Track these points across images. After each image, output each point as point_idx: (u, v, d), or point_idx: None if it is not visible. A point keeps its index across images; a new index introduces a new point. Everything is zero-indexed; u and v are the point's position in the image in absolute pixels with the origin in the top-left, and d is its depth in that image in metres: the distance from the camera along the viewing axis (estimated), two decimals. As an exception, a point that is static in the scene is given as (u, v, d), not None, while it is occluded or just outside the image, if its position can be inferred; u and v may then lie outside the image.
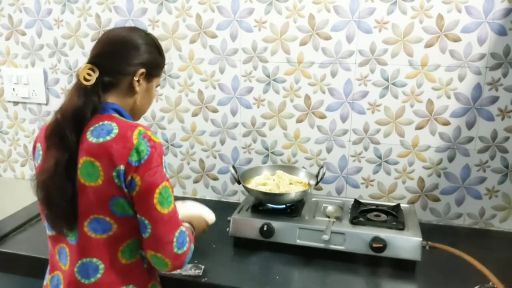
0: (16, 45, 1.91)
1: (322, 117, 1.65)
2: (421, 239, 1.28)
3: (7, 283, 1.47)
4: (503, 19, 1.43)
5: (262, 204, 1.47)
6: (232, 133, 1.76)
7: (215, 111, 1.75)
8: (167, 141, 1.84)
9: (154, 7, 1.71)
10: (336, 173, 1.69)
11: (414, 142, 1.59)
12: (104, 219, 0.98)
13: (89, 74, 0.99)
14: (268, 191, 1.44)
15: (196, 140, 1.80)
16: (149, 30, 1.65)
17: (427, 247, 1.27)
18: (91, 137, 0.97)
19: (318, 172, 1.48)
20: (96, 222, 0.98)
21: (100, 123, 0.98)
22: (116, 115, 1.02)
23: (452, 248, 1.24)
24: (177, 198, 1.08)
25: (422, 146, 1.59)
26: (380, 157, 1.63)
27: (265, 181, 1.52)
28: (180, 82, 1.76)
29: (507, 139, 1.52)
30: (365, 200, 1.59)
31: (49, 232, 1.07)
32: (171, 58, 1.73)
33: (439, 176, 1.60)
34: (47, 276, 1.09)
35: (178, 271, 1.26)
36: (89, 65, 1.00)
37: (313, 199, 1.57)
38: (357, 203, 1.53)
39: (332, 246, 1.33)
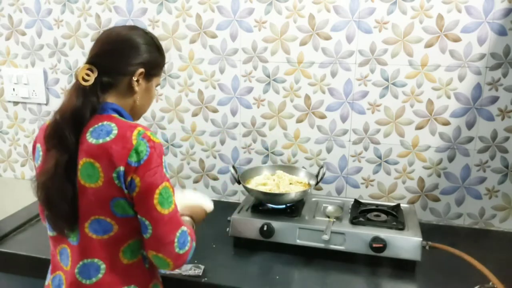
0: (16, 45, 1.91)
1: (322, 117, 1.65)
2: (421, 239, 1.28)
3: (7, 283, 1.47)
4: (503, 19, 1.43)
5: (262, 204, 1.47)
6: (232, 133, 1.76)
7: (215, 111, 1.75)
8: (167, 141, 1.84)
9: (154, 7, 1.71)
10: (336, 173, 1.69)
11: (414, 142, 1.59)
12: (105, 220, 0.97)
13: (87, 75, 0.99)
14: (268, 191, 1.44)
15: (196, 140, 1.80)
16: (149, 30, 1.65)
17: (427, 247, 1.27)
18: (90, 138, 0.96)
19: (318, 172, 1.48)
20: (97, 223, 0.98)
21: (100, 123, 0.98)
22: (115, 115, 1.02)
23: (452, 248, 1.24)
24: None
25: (422, 146, 1.59)
26: (380, 157, 1.63)
27: (265, 181, 1.52)
28: (180, 82, 1.76)
29: (507, 139, 1.52)
30: (365, 200, 1.59)
31: (50, 233, 1.06)
32: (171, 58, 1.73)
33: (439, 176, 1.60)
34: (49, 276, 1.09)
35: (178, 271, 1.26)
36: (88, 65, 1.00)
37: (313, 199, 1.57)
38: (357, 203, 1.53)
39: (332, 246, 1.33)
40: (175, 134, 1.82)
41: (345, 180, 1.69)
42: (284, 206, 1.45)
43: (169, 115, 1.80)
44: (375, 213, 1.43)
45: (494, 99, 1.49)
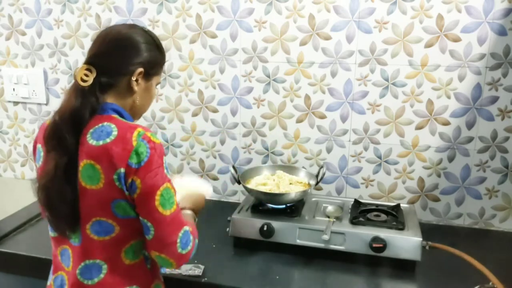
0: (16, 45, 1.91)
1: (322, 117, 1.65)
2: (421, 239, 1.28)
3: (7, 283, 1.47)
4: (503, 19, 1.43)
5: (262, 204, 1.47)
6: (232, 133, 1.76)
7: (215, 111, 1.75)
8: (167, 141, 1.84)
9: (154, 7, 1.71)
10: (336, 173, 1.69)
11: (414, 142, 1.59)
12: (106, 222, 0.97)
13: (86, 75, 0.97)
14: (268, 191, 1.44)
15: (196, 140, 1.80)
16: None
17: (427, 247, 1.28)
18: (91, 140, 0.96)
19: (318, 172, 1.48)
20: (98, 225, 0.97)
21: (100, 124, 0.97)
22: (115, 115, 1.01)
23: (452, 248, 1.25)
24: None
25: (422, 146, 1.59)
26: (380, 157, 1.63)
27: (265, 181, 1.52)
28: (180, 82, 1.76)
29: (507, 139, 1.52)
30: (365, 200, 1.59)
31: (51, 233, 1.06)
32: (171, 58, 1.73)
33: (439, 176, 1.60)
34: (51, 276, 1.09)
35: (178, 271, 1.27)
36: (86, 66, 0.99)
37: (313, 199, 1.57)
38: (357, 203, 1.53)
39: (332, 246, 1.33)
40: (175, 134, 1.82)
41: (345, 180, 1.69)
42: (284, 206, 1.45)
43: (169, 115, 1.80)
44: (375, 213, 1.43)
45: (494, 99, 1.49)
